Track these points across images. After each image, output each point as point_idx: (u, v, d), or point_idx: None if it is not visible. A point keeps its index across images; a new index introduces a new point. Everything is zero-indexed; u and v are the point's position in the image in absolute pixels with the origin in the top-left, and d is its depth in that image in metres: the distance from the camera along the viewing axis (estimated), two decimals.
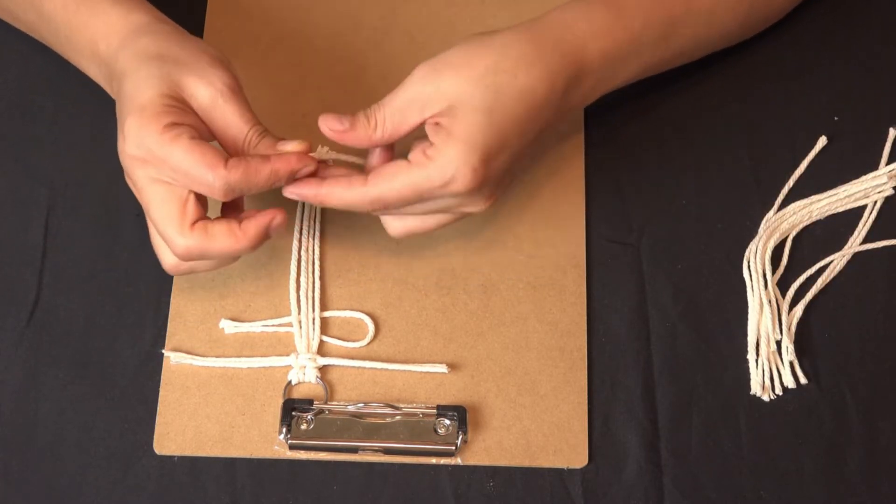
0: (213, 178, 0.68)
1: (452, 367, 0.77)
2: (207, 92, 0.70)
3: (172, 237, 0.69)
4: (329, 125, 0.71)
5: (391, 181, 0.70)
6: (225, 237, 0.69)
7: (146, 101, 0.69)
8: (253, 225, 0.70)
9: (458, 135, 0.69)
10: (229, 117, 0.71)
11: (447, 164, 0.69)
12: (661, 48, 0.77)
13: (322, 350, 0.77)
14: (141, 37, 0.73)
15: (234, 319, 0.77)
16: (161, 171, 0.69)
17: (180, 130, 0.69)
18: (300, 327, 0.77)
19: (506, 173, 0.73)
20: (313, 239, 0.80)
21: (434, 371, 0.76)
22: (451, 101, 0.69)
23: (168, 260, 0.72)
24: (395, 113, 0.70)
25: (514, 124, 0.71)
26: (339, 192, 0.71)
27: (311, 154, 0.72)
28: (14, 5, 0.79)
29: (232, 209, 0.73)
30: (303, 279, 0.78)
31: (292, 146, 0.71)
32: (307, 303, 0.78)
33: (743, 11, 0.80)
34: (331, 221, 0.80)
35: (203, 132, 0.71)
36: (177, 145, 0.68)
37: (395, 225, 0.74)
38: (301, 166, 0.70)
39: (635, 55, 0.76)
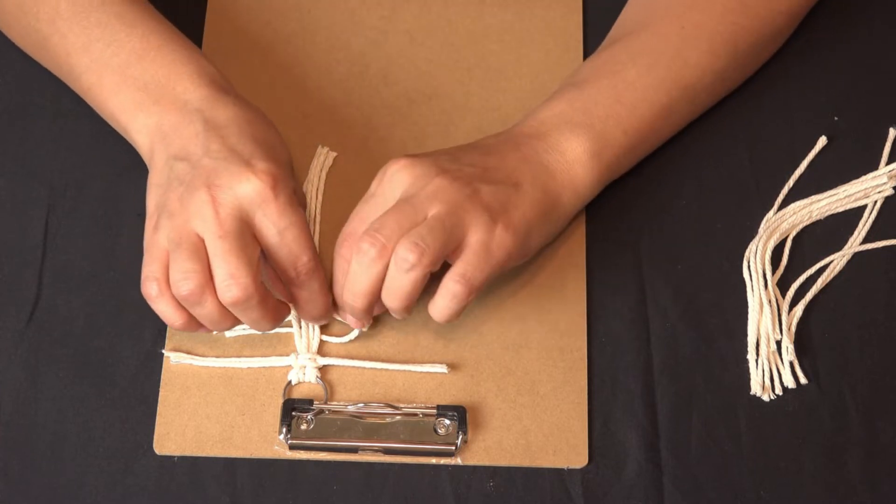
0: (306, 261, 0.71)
1: (452, 367, 0.77)
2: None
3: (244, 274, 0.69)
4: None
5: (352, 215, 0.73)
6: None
7: (286, 156, 0.73)
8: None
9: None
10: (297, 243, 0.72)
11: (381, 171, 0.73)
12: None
13: (322, 350, 0.77)
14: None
15: None
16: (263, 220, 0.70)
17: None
18: (300, 327, 0.77)
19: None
20: (313, 239, 0.80)
21: (434, 371, 0.76)
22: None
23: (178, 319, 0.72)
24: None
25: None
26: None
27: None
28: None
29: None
30: None
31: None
32: None
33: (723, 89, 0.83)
34: (330, 221, 0.80)
35: None
36: (299, 215, 0.71)
37: (438, 305, 0.72)
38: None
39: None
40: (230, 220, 0.69)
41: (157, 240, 0.70)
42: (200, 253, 0.69)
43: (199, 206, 0.69)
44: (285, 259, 0.71)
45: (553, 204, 0.75)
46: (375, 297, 0.72)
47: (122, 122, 0.76)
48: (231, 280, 0.68)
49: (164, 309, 0.71)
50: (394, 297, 0.71)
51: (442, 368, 0.76)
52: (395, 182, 0.72)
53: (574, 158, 0.76)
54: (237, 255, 0.68)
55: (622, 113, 0.77)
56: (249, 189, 0.69)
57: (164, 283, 0.70)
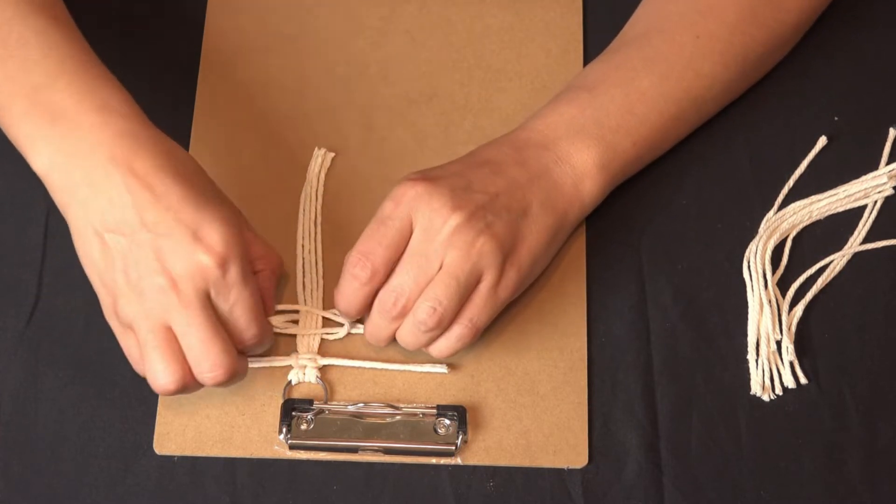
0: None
1: (452, 367, 0.77)
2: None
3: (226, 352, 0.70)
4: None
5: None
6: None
7: (235, 215, 0.72)
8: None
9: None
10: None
11: (392, 189, 0.73)
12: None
13: (322, 350, 0.77)
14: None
15: None
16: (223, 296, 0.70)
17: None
18: (300, 327, 0.77)
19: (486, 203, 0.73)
20: (313, 241, 0.80)
21: (434, 371, 0.76)
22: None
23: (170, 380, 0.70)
24: None
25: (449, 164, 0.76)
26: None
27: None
28: None
29: None
30: (304, 280, 0.78)
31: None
32: (309, 303, 0.78)
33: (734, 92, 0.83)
34: (330, 221, 0.80)
35: None
36: (248, 286, 0.70)
37: (441, 345, 0.73)
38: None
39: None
40: (195, 303, 0.68)
41: (123, 324, 0.70)
42: (174, 345, 0.69)
43: (159, 293, 0.68)
44: (232, 332, 0.70)
45: (560, 224, 0.75)
46: (366, 310, 0.74)
47: (27, 152, 0.72)
48: (216, 370, 0.69)
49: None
50: (409, 345, 0.73)
51: (442, 368, 0.76)
52: (411, 209, 0.72)
53: (583, 171, 0.76)
54: (212, 340, 0.68)
55: (632, 123, 0.77)
56: (200, 267, 0.68)
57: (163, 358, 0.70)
